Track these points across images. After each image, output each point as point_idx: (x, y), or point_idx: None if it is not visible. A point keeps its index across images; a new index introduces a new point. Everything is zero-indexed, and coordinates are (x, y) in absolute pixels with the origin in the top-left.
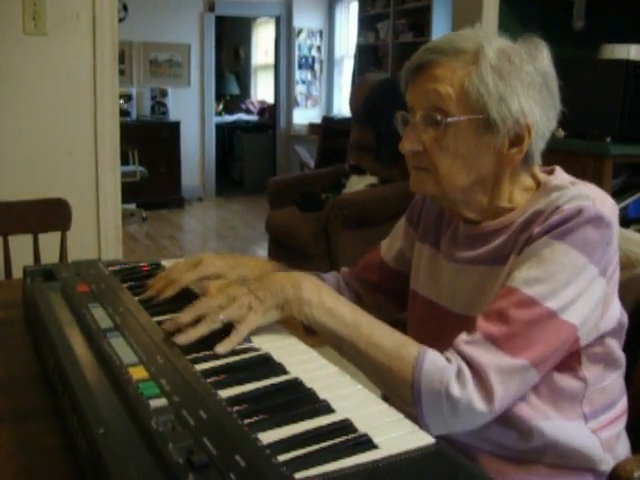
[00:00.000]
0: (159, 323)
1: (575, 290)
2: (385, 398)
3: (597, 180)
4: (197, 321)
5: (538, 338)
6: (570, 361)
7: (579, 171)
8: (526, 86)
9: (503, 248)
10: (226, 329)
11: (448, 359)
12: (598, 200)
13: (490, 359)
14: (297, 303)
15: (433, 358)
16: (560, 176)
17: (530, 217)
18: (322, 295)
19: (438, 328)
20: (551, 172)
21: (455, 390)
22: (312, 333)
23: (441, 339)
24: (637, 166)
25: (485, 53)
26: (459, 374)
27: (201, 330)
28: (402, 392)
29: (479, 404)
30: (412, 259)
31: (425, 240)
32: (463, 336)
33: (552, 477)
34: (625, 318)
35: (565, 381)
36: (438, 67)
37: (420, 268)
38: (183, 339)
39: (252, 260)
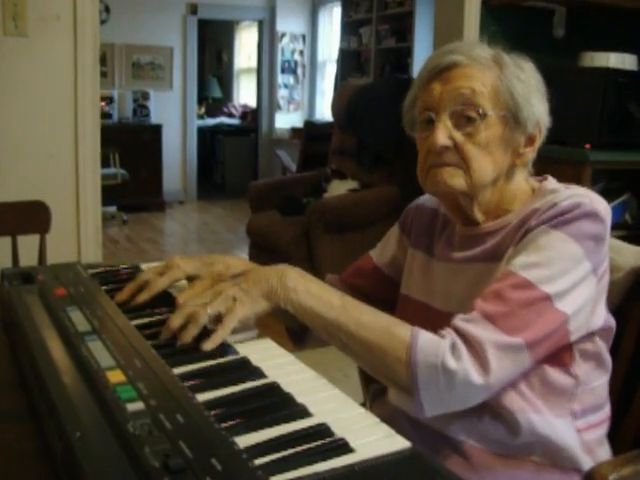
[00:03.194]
0: (137, 327)
1: (570, 280)
2: (375, 394)
3: None
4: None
5: (532, 320)
6: (562, 356)
7: (558, 178)
8: (536, 91)
9: (500, 246)
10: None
11: (442, 335)
12: (594, 199)
13: (487, 335)
14: (283, 290)
15: (427, 335)
16: (552, 182)
17: (526, 216)
18: (307, 282)
19: (431, 329)
20: (543, 180)
21: (451, 362)
22: (300, 343)
23: None
24: (615, 173)
25: (505, 59)
26: (453, 347)
27: (191, 332)
28: (396, 371)
29: (475, 376)
30: (404, 265)
31: (418, 246)
32: (460, 316)
33: (539, 474)
34: (612, 321)
35: (557, 376)
36: (467, 67)
37: (413, 273)
38: (177, 344)
39: (227, 256)
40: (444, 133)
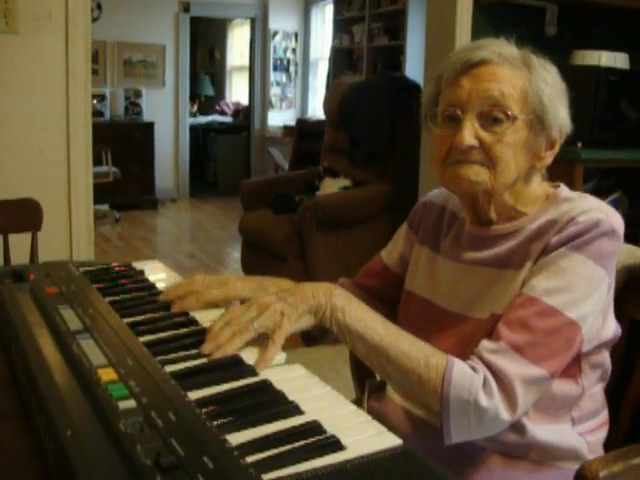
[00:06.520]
0: (129, 325)
1: (593, 302)
2: (372, 388)
3: (569, 185)
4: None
5: (558, 348)
6: (570, 369)
7: (551, 176)
8: (561, 96)
9: (515, 253)
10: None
11: (474, 368)
12: (610, 214)
13: (516, 369)
14: (330, 309)
15: (461, 368)
16: (566, 190)
17: (543, 226)
18: (353, 303)
19: (433, 327)
20: (556, 187)
21: (483, 400)
22: (312, 344)
23: (436, 337)
24: (607, 171)
25: (533, 61)
26: (485, 384)
27: (236, 344)
28: (430, 400)
29: (504, 413)
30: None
31: (424, 243)
32: (486, 344)
33: (536, 472)
34: (619, 331)
35: (564, 388)
36: (497, 66)
37: (418, 269)
38: (219, 354)
39: (275, 281)
40: (471, 132)
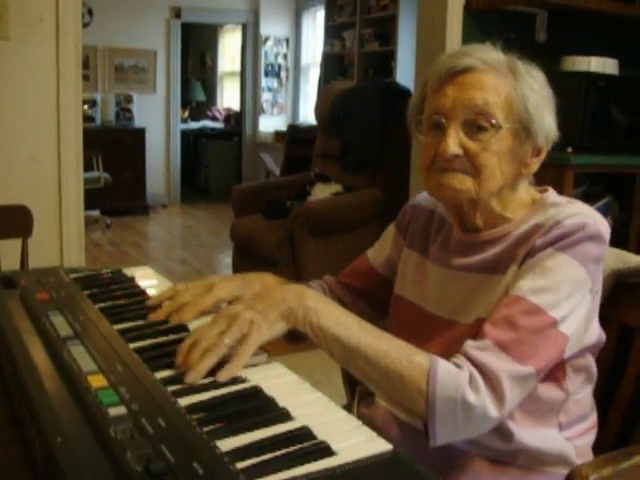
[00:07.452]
0: (119, 331)
1: (573, 303)
2: (362, 394)
3: (559, 190)
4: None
5: (541, 346)
6: (554, 372)
7: (541, 181)
8: (548, 103)
9: (501, 258)
10: None
11: (458, 365)
12: (597, 219)
13: (502, 365)
14: (302, 311)
15: (445, 366)
16: (554, 195)
17: (529, 230)
18: (327, 304)
19: (423, 332)
20: (544, 191)
21: (470, 397)
22: (294, 342)
23: (425, 342)
24: (597, 176)
25: (519, 67)
26: (471, 380)
27: (208, 363)
28: (414, 400)
29: (492, 410)
30: (399, 265)
31: (412, 247)
32: (471, 342)
33: (525, 478)
34: (603, 336)
35: (548, 391)
36: (482, 73)
37: (407, 273)
38: (191, 378)
39: (262, 274)
40: (455, 141)
